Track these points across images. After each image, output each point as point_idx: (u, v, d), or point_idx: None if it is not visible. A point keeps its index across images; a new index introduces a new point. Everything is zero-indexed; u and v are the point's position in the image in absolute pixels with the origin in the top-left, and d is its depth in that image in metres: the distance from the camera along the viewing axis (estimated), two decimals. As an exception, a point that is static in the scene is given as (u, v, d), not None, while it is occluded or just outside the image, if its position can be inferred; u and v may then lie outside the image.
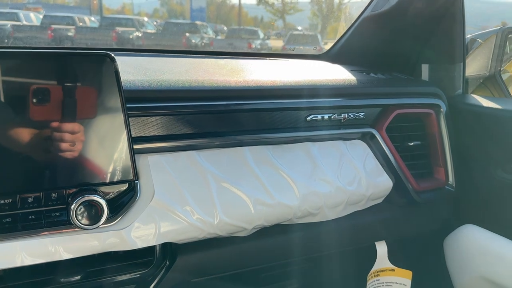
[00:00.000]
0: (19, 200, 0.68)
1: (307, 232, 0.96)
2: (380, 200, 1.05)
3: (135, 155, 0.75)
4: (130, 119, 0.77)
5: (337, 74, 1.18)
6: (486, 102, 1.11)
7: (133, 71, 0.91)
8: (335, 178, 0.96)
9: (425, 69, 1.23)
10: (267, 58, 1.41)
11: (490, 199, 1.05)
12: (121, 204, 0.75)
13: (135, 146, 0.76)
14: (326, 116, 0.99)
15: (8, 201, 0.67)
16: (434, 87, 1.13)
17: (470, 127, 1.10)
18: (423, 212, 1.10)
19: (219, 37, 16.49)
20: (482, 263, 1.01)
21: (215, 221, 0.81)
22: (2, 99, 0.65)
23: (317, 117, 0.98)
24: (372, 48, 1.30)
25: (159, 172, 0.79)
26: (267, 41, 15.78)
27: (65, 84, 0.69)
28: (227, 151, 0.88)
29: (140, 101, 0.79)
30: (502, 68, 1.55)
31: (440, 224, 1.12)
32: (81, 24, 12.20)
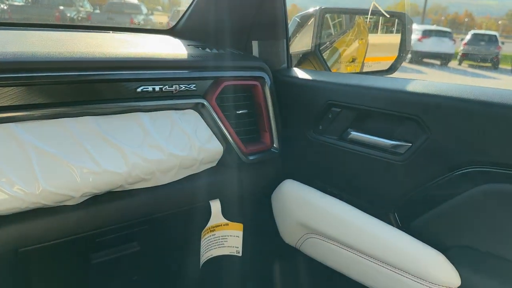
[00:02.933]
0: None
1: (142, 196, 1.03)
2: (213, 164, 1.17)
3: None
4: None
5: (174, 48, 1.25)
6: (301, 74, 1.28)
7: None
8: (165, 145, 1.03)
9: (255, 45, 1.37)
10: (112, 32, 1.43)
11: (305, 156, 1.24)
12: None
13: None
14: (157, 88, 1.06)
15: None
16: (260, 61, 1.26)
17: (290, 96, 1.27)
18: (252, 172, 1.24)
19: (97, 11, 15.39)
20: (297, 210, 1.19)
21: (36, 191, 0.83)
22: None
23: (147, 88, 1.04)
24: (209, 25, 1.40)
25: (-30, 145, 0.79)
26: (151, 17, 15.20)
27: None
28: (50, 122, 0.90)
29: None
30: (333, 46, 1.78)
31: (267, 181, 1.28)
32: None
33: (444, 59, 14.33)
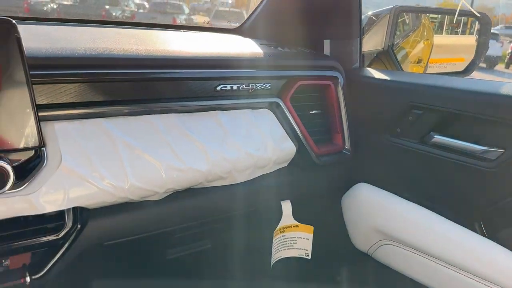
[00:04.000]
0: None
1: (218, 194, 1.03)
2: (285, 164, 1.15)
3: (42, 122, 0.76)
4: (37, 86, 0.77)
5: (247, 47, 1.24)
6: (377, 74, 1.24)
7: (39, 39, 0.89)
8: (243, 144, 1.03)
9: (326, 44, 1.34)
10: (182, 30, 1.44)
11: (380, 160, 1.20)
12: (28, 170, 0.76)
13: (42, 113, 0.77)
14: (235, 87, 1.06)
15: None
16: (334, 61, 1.24)
17: (364, 96, 1.23)
18: (323, 173, 1.22)
19: (141, 11, 15.80)
20: (371, 216, 1.16)
21: (125, 186, 0.85)
22: None
23: (226, 87, 1.04)
24: (280, 24, 1.39)
25: (66, 139, 0.81)
26: (193, 17, 15.44)
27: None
28: (137, 118, 0.91)
29: (47, 68, 0.79)
30: (399, 46, 1.73)
31: (338, 183, 1.26)
32: (-11, -7, 10.98)
33: (491, 61, 13.74)
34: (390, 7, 1.46)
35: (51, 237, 0.82)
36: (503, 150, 0.93)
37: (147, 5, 16.19)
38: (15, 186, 0.73)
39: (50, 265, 0.81)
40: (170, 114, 0.96)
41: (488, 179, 0.96)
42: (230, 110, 1.06)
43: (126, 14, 14.54)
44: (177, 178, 0.92)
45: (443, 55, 1.97)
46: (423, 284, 1.06)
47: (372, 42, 1.48)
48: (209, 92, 1.02)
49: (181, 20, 14.23)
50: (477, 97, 0.98)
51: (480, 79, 1.11)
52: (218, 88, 1.03)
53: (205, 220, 1.06)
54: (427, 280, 1.05)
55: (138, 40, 1.07)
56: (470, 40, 1.67)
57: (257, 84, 1.10)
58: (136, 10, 15.64)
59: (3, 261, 0.82)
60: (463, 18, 1.89)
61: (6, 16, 0.73)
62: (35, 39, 0.88)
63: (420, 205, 1.07)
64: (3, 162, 0.70)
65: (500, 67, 13.66)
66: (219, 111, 1.04)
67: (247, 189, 1.08)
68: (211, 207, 1.04)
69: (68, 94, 0.83)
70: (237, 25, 1.56)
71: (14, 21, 0.72)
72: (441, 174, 1.05)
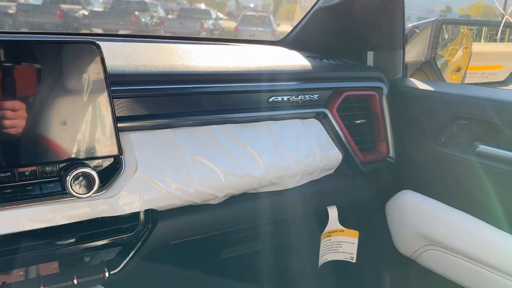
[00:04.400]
0: (17, 173, 0.76)
1: (270, 199, 1.10)
2: (332, 171, 1.21)
3: (120, 133, 0.85)
4: (116, 100, 0.86)
5: (294, 59, 1.31)
6: (421, 85, 1.28)
7: (112, 56, 0.98)
8: (293, 152, 1.09)
9: (370, 55, 1.39)
10: (229, 43, 1.52)
11: (424, 168, 1.24)
12: (108, 176, 0.84)
13: (120, 125, 0.85)
14: (285, 98, 1.12)
15: (8, 174, 0.75)
16: (378, 72, 1.29)
17: (408, 106, 1.28)
18: (368, 180, 1.27)
19: (170, 16, 16.12)
20: (416, 221, 1.20)
21: (191, 190, 0.92)
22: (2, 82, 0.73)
23: (277, 98, 1.11)
24: (324, 36, 1.45)
25: (140, 148, 0.89)
26: (220, 21, 15.65)
27: (56, 70, 0.77)
28: (199, 129, 0.99)
29: (124, 84, 0.88)
30: (438, 54, 1.76)
31: (382, 190, 1.30)
32: (22, 0, 11.42)
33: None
34: (432, 19, 1.50)
35: (126, 236, 0.90)
36: (550, 160, 0.96)
37: (175, 11, 16.50)
38: (98, 190, 0.81)
39: (125, 261, 0.90)
40: (228, 124, 1.04)
41: None
42: (281, 120, 1.13)
43: (155, 20, 14.86)
44: (235, 183, 0.99)
45: (481, 62, 1.98)
46: None
47: (414, 53, 1.52)
48: (262, 103, 1.09)
49: (208, 25, 14.45)
50: None
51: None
52: (270, 99, 1.10)
53: (257, 223, 1.12)
54: (471, 285, 1.09)
55: (196, 55, 1.15)
56: (510, 47, 1.68)
57: (306, 96, 1.16)
58: (164, 16, 15.95)
59: (84, 258, 0.90)
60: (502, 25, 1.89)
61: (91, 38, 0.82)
62: (111, 56, 0.97)
63: (467, 212, 1.11)
64: (90, 169, 0.79)
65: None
66: (271, 121, 1.11)
67: (297, 194, 1.14)
68: (264, 211, 1.10)
69: (141, 107, 0.91)
70: (274, 32, 1.62)
71: (98, 43, 0.81)
72: (485, 182, 1.08)
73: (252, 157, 1.03)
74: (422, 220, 1.18)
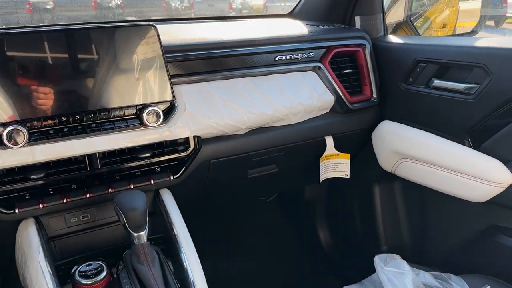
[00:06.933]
0: (111, 112, 1.21)
1: (279, 131, 1.51)
2: (327, 110, 1.60)
3: (173, 86, 1.28)
4: (169, 63, 1.29)
5: (296, 27, 1.70)
6: (395, 40, 1.65)
7: (161, 34, 1.42)
8: (295, 96, 1.49)
9: (357, 20, 1.76)
10: (247, 19, 1.93)
11: (398, 102, 1.62)
12: (168, 113, 1.28)
13: (173, 80, 1.29)
14: (288, 57, 1.52)
15: (106, 113, 1.19)
16: (361, 32, 1.66)
17: (385, 56, 1.64)
18: (356, 116, 1.65)
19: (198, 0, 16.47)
20: (392, 142, 1.59)
21: (222, 123, 1.35)
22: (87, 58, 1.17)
23: (282, 57, 1.51)
24: (322, 7, 1.82)
25: (187, 95, 1.32)
26: (248, 0, 15.87)
27: (131, 45, 1.21)
28: (226, 81, 1.41)
29: (173, 53, 1.31)
30: (424, 15, 2.09)
31: (368, 123, 1.69)
32: (60, -5, 12.01)
33: (497, 21, 12.90)
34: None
35: (182, 155, 1.35)
36: (479, 85, 1.32)
37: (203, -7, 16.75)
38: (162, 122, 1.26)
39: (182, 170, 1.35)
40: (246, 77, 1.45)
41: (471, 107, 1.35)
42: (285, 73, 1.53)
43: (185, 4, 15.28)
44: (253, 119, 1.41)
45: (470, 19, 2.28)
46: (430, 187, 1.49)
47: (395, 15, 1.87)
48: (270, 61, 1.49)
49: (236, 4, 14.71)
50: (462, 49, 1.37)
51: (467, 36, 1.48)
52: (276, 58, 1.50)
53: (271, 149, 1.54)
54: (433, 183, 1.48)
55: (220, 30, 1.57)
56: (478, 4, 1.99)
57: (304, 54, 1.55)
58: (193, -1, 16.29)
59: (156, 169, 1.36)
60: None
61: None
62: (161, 35, 1.41)
63: (427, 131, 1.49)
64: (157, 108, 1.23)
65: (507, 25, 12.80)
66: (278, 74, 1.51)
67: (300, 127, 1.55)
68: (276, 139, 1.52)
69: (186, 68, 1.35)
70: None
71: (155, 24, 1.24)
72: (440, 106, 1.45)
73: (265, 100, 1.44)
74: (396, 141, 1.57)
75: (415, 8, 1.90)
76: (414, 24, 1.91)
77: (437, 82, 1.45)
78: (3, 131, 1.05)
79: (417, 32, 1.87)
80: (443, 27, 2.15)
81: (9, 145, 1.05)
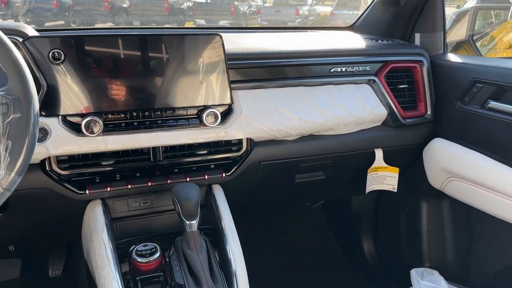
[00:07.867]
0: (176, 111, 1.34)
1: (329, 140, 1.57)
2: (379, 123, 1.63)
3: (232, 91, 1.39)
4: (230, 70, 1.40)
5: (355, 41, 1.75)
6: (454, 58, 1.65)
7: (226, 43, 1.53)
8: (347, 107, 1.55)
9: (417, 36, 1.77)
10: (308, 30, 2.00)
11: (452, 121, 1.62)
12: (225, 115, 1.39)
13: (232, 85, 1.39)
14: (343, 69, 1.58)
15: (171, 111, 1.33)
16: (420, 49, 1.67)
17: (443, 74, 1.65)
18: (408, 131, 1.67)
19: (267, 4, 16.72)
20: (443, 160, 1.59)
21: (274, 128, 1.44)
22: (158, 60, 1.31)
23: (337, 69, 1.57)
24: (382, 22, 1.86)
25: (244, 100, 1.42)
26: (315, 7, 15.87)
27: (197, 50, 1.33)
28: (281, 89, 1.49)
29: (234, 60, 1.41)
30: (489, 35, 2.06)
31: (420, 139, 1.70)
32: (132, -5, 12.68)
33: None
34: (471, 6, 1.82)
35: (235, 155, 1.45)
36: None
37: (272, -1, 16.98)
38: (219, 123, 1.37)
39: (234, 169, 1.45)
40: (301, 87, 1.53)
41: None
42: (340, 85, 1.59)
43: (252, 9, 15.59)
44: (304, 126, 1.48)
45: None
46: (478, 208, 1.47)
47: (457, 34, 1.86)
48: (325, 73, 1.56)
49: (303, 11, 14.77)
50: None
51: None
52: (332, 70, 1.56)
53: (320, 157, 1.61)
54: (482, 205, 1.46)
55: (280, 40, 1.66)
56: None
57: (360, 67, 1.60)
58: (262, 4, 16.58)
59: (211, 165, 1.47)
60: None
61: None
62: (225, 43, 1.53)
63: (480, 152, 1.48)
64: (216, 110, 1.35)
65: None
66: (332, 85, 1.57)
67: (350, 138, 1.60)
68: (325, 147, 1.58)
69: (245, 74, 1.45)
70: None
71: (220, 33, 1.36)
72: (494, 129, 1.44)
73: (317, 109, 1.51)
74: (447, 159, 1.56)
75: (480, 27, 1.88)
76: (478, 43, 1.88)
77: (493, 104, 1.44)
78: (82, 121, 1.21)
79: (478, 51, 1.84)
80: (509, 47, 2.09)
81: (86, 133, 1.21)
